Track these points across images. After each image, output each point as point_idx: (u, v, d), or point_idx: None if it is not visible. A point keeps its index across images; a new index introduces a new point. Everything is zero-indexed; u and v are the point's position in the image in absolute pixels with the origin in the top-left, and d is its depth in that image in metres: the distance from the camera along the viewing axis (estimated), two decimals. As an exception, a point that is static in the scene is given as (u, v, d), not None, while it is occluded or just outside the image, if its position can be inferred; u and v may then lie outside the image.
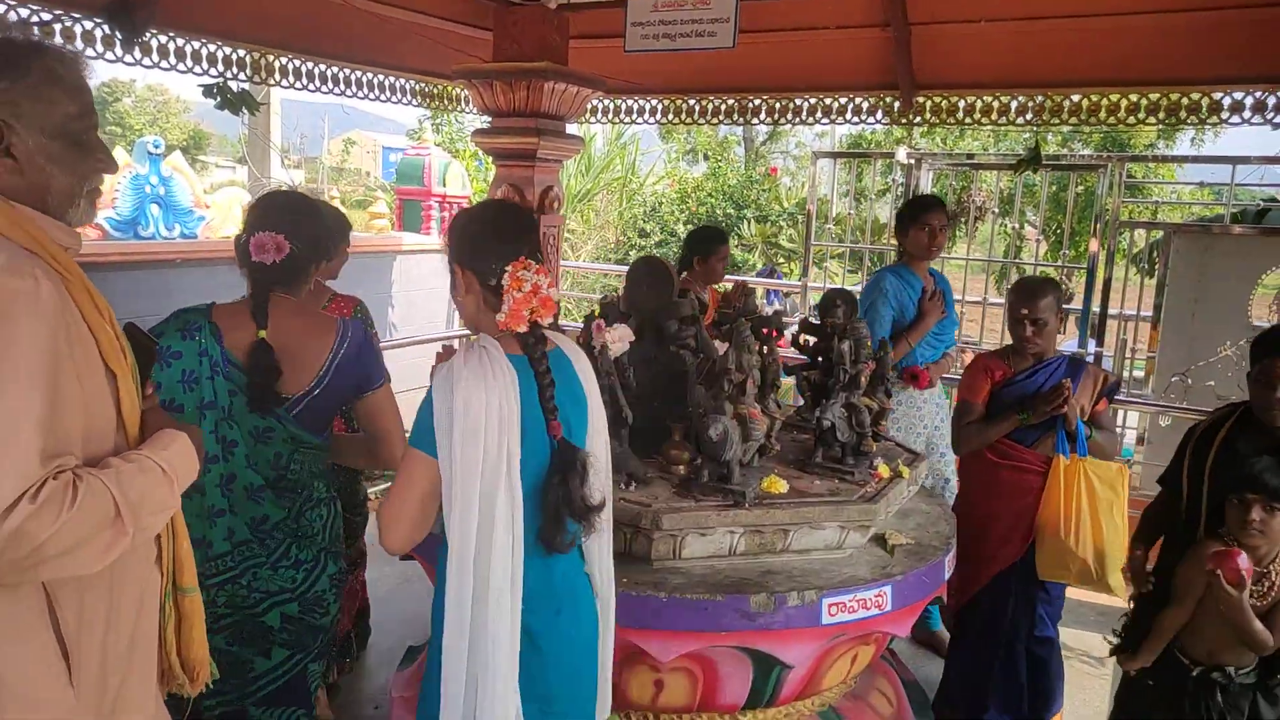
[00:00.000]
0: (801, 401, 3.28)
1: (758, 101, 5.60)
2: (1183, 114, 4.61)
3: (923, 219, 3.85)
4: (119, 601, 1.38)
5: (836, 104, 5.44)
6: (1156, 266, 5.67)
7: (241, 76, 4.80)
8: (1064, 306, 3.17)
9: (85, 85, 1.45)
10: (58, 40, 3.86)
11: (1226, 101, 4.48)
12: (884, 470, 2.81)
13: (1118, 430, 3.32)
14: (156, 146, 6.53)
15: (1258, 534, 2.33)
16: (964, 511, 3.18)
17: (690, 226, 14.30)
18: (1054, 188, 8.76)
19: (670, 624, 2.33)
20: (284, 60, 5.04)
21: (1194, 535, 2.53)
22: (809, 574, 2.48)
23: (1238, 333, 5.27)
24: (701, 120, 5.80)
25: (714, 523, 2.47)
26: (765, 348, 2.96)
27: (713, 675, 2.49)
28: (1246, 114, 4.43)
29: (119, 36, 4.04)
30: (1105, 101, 4.76)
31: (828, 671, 2.63)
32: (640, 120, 6.08)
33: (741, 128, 17.84)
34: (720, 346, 2.98)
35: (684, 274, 4.53)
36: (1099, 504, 2.95)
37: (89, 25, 3.97)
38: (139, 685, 1.43)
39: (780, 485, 2.62)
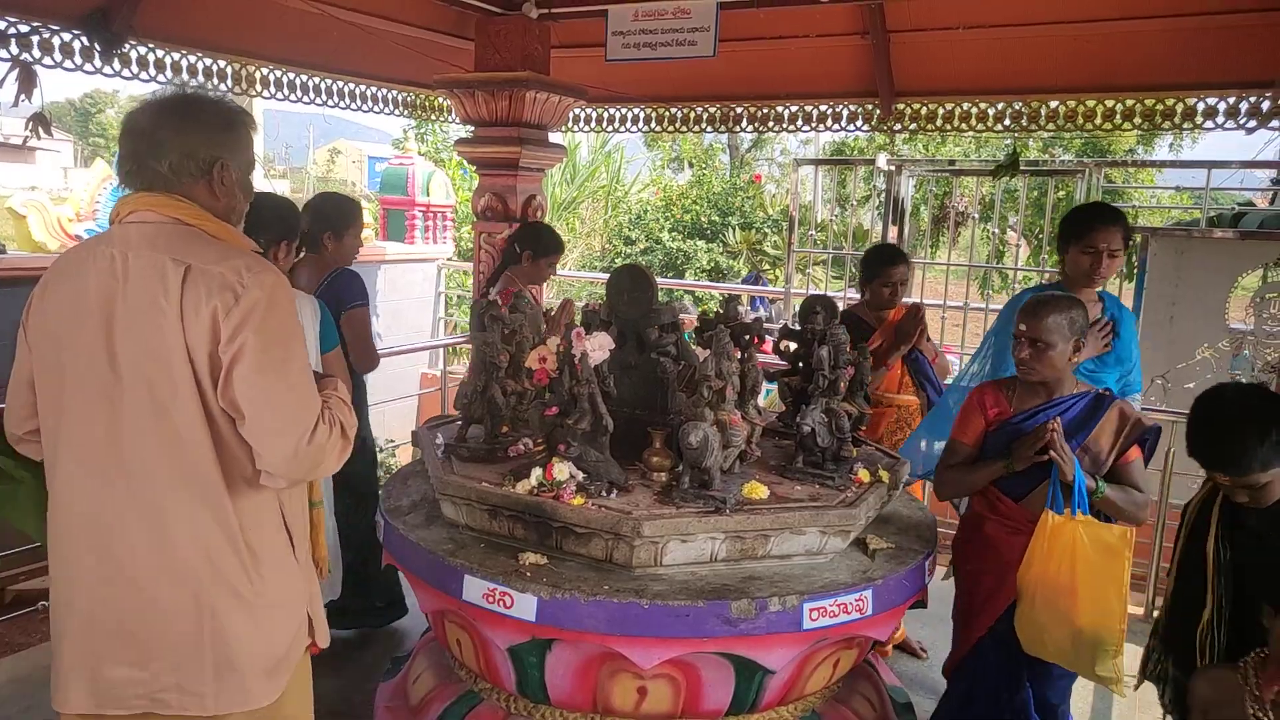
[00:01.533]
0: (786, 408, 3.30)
1: (740, 110, 5.64)
2: (1158, 119, 4.67)
3: (1088, 238, 3.04)
4: (301, 503, 1.96)
5: (817, 111, 5.48)
6: (1135, 269, 5.72)
7: (223, 87, 4.79)
8: (1077, 331, 2.61)
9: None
10: (36, 51, 3.86)
11: (1201, 107, 4.54)
12: (864, 475, 2.83)
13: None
14: (138, 158, 6.51)
15: None
16: (956, 562, 2.91)
17: (675, 234, 14.36)
18: (1034, 193, 8.84)
19: (652, 631, 2.34)
20: (265, 71, 5.03)
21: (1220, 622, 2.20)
22: (790, 579, 2.49)
23: (1215, 335, 5.33)
24: (685, 129, 5.83)
25: (695, 529, 2.48)
26: (745, 354, 2.97)
27: (695, 681, 2.50)
28: (1220, 119, 4.49)
29: (97, 48, 4.03)
30: (1082, 107, 4.82)
31: (810, 676, 2.64)
32: (624, 129, 6.10)
33: (726, 135, 17.91)
34: (701, 353, 2.99)
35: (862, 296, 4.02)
36: (1091, 573, 2.48)
37: (67, 37, 3.97)
38: (309, 563, 1.99)
39: (761, 491, 2.63)
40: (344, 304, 3.46)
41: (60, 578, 1.80)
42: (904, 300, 3.87)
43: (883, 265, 3.75)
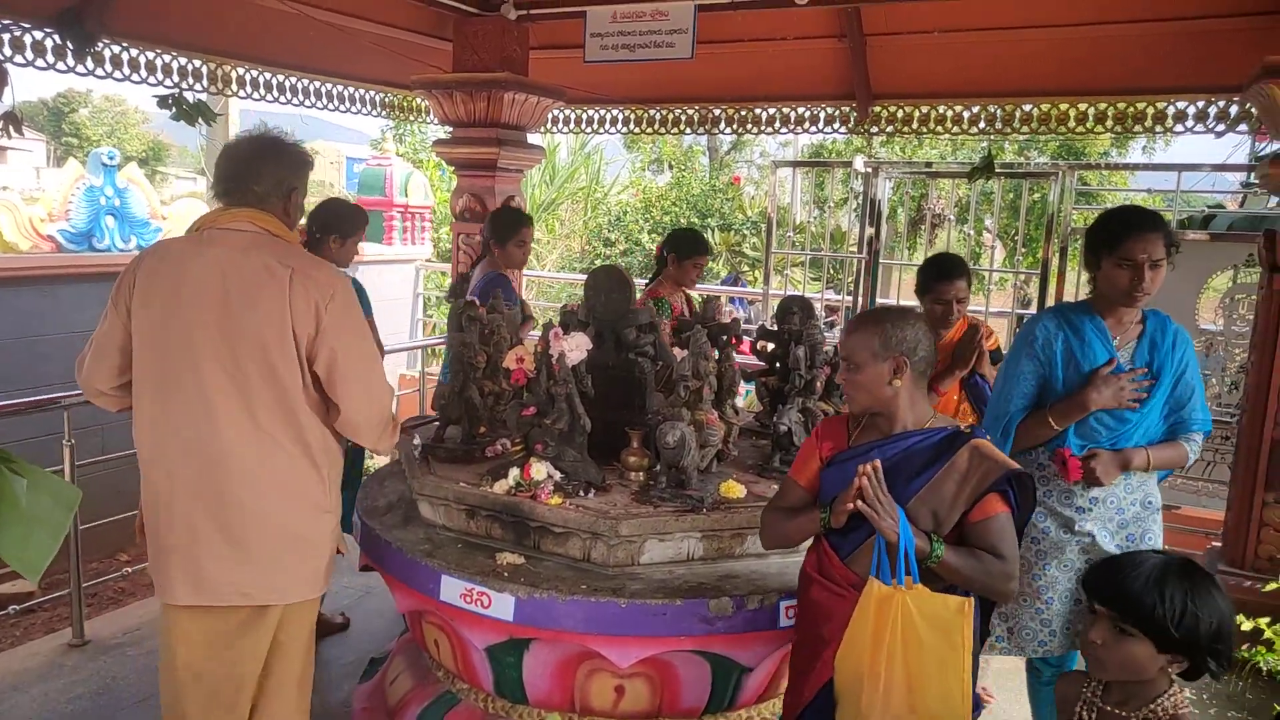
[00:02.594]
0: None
1: (719, 112, 5.66)
2: (1130, 123, 4.74)
3: (1123, 248, 2.46)
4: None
5: (795, 114, 5.52)
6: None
7: (198, 87, 4.76)
8: (902, 350, 2.07)
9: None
10: (7, 50, 3.82)
11: (1171, 111, 4.61)
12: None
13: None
14: (111, 158, 6.45)
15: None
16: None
17: (655, 235, 14.37)
18: (1010, 195, 8.95)
19: (629, 629, 2.34)
20: (241, 70, 5.00)
21: None
22: (767, 577, 2.51)
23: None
24: (664, 130, 5.85)
25: (672, 528, 2.49)
26: (722, 354, 2.99)
27: (673, 680, 2.51)
28: (1190, 123, 4.57)
29: (70, 46, 4.00)
30: (1056, 111, 4.88)
31: (787, 674, 2.66)
32: (603, 131, 6.11)
33: (706, 137, 17.96)
34: (679, 354, 3.00)
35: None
36: (923, 656, 1.96)
37: (39, 35, 3.93)
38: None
39: (738, 490, 2.65)
40: None
41: (163, 502, 2.22)
42: (967, 315, 3.44)
43: (937, 280, 3.30)
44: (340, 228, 3.72)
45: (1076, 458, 2.53)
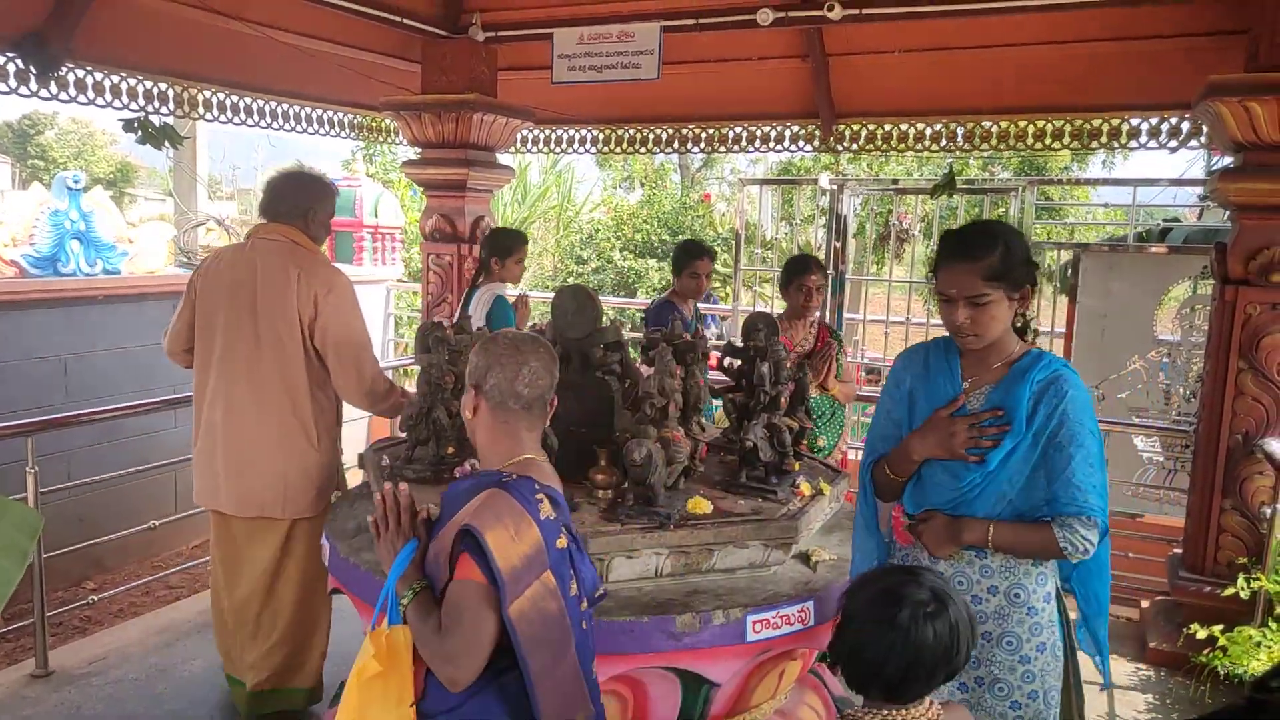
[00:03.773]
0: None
1: (688, 131, 5.73)
2: (1086, 139, 4.85)
3: (940, 278, 2.06)
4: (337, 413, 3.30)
5: (761, 132, 5.60)
6: (1070, 284, 5.91)
7: (164, 110, 4.75)
8: (473, 380, 1.94)
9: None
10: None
11: (1126, 127, 4.73)
12: (806, 488, 2.88)
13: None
14: (76, 181, 6.40)
15: None
16: None
17: (627, 253, 14.43)
18: (974, 210, 9.09)
19: (598, 647, 2.35)
20: (208, 93, 5.00)
21: None
22: (734, 592, 2.53)
23: (1145, 346, 5.52)
24: (633, 150, 5.92)
25: (639, 545, 2.50)
26: (687, 371, 3.02)
27: (642, 696, 2.52)
28: (1143, 139, 4.69)
29: (34, 71, 3.98)
30: (1015, 128, 4.99)
31: (756, 688, 2.68)
32: (573, 150, 6.16)
33: (677, 155, 18.08)
34: (645, 371, 3.03)
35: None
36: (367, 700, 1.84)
37: (1, 60, 3.91)
38: (337, 449, 3.31)
39: (705, 506, 2.67)
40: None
41: (203, 434, 3.16)
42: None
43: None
44: (498, 251, 4.38)
45: (903, 518, 2.20)
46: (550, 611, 1.73)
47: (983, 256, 1.99)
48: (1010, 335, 2.10)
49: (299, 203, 3.16)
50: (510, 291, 4.58)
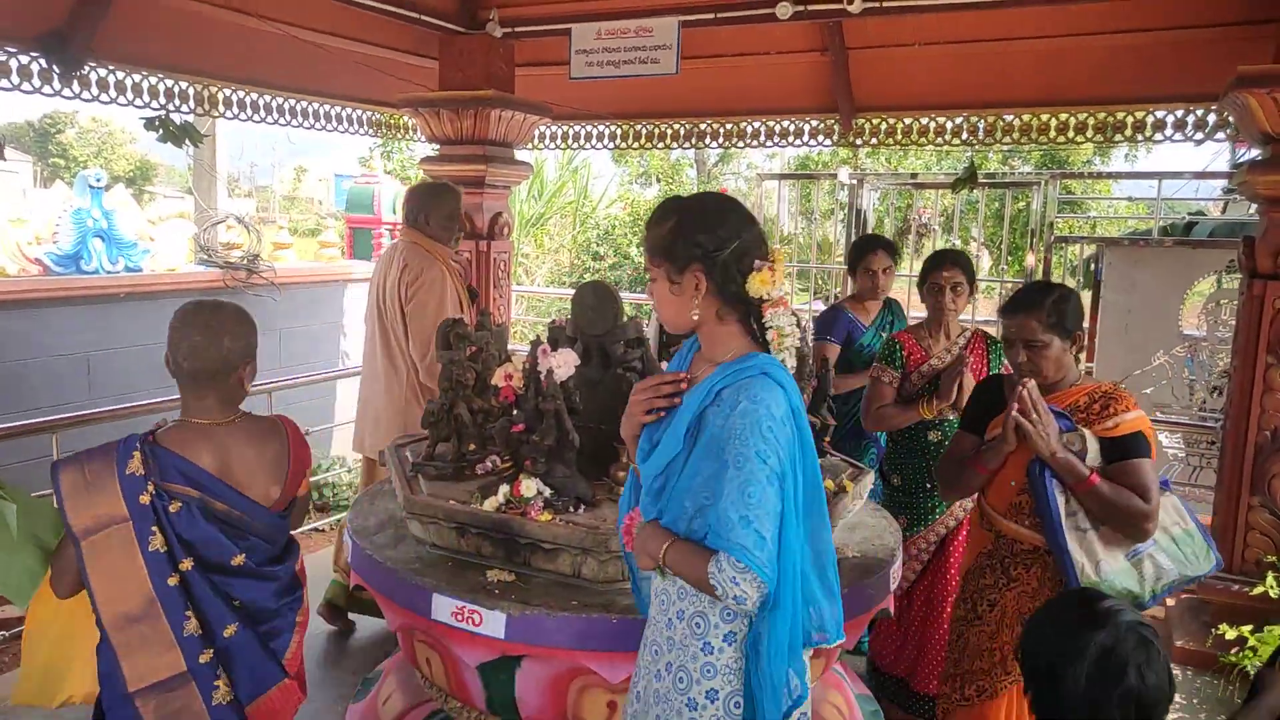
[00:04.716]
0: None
1: (705, 126, 5.70)
2: (1110, 132, 4.79)
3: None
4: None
5: (780, 127, 5.56)
6: (1092, 278, 5.85)
7: (184, 108, 4.77)
8: None
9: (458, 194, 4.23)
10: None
11: (1151, 120, 4.67)
12: (829, 485, 2.86)
13: None
14: (98, 179, 6.44)
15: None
16: None
17: (643, 249, 14.37)
18: (994, 204, 9.04)
19: (621, 645, 2.34)
20: (228, 91, 5.02)
21: None
22: (757, 590, 2.51)
23: (1170, 342, 5.45)
24: (650, 145, 5.89)
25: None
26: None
27: (665, 694, 2.51)
28: (1169, 131, 4.62)
29: (55, 70, 4.00)
30: (1037, 121, 4.93)
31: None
32: (590, 146, 6.15)
33: (693, 150, 18.04)
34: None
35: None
36: None
37: (25, 59, 3.93)
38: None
39: (727, 503, 2.66)
40: None
41: (358, 402, 4.19)
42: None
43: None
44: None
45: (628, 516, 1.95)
46: (117, 556, 1.92)
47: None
48: (729, 338, 1.80)
49: (413, 209, 3.96)
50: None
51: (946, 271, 3.27)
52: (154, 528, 1.95)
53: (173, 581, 1.96)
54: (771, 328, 1.74)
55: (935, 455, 3.27)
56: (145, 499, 1.94)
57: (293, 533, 2.31)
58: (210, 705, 2.01)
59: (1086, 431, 2.32)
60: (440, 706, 2.78)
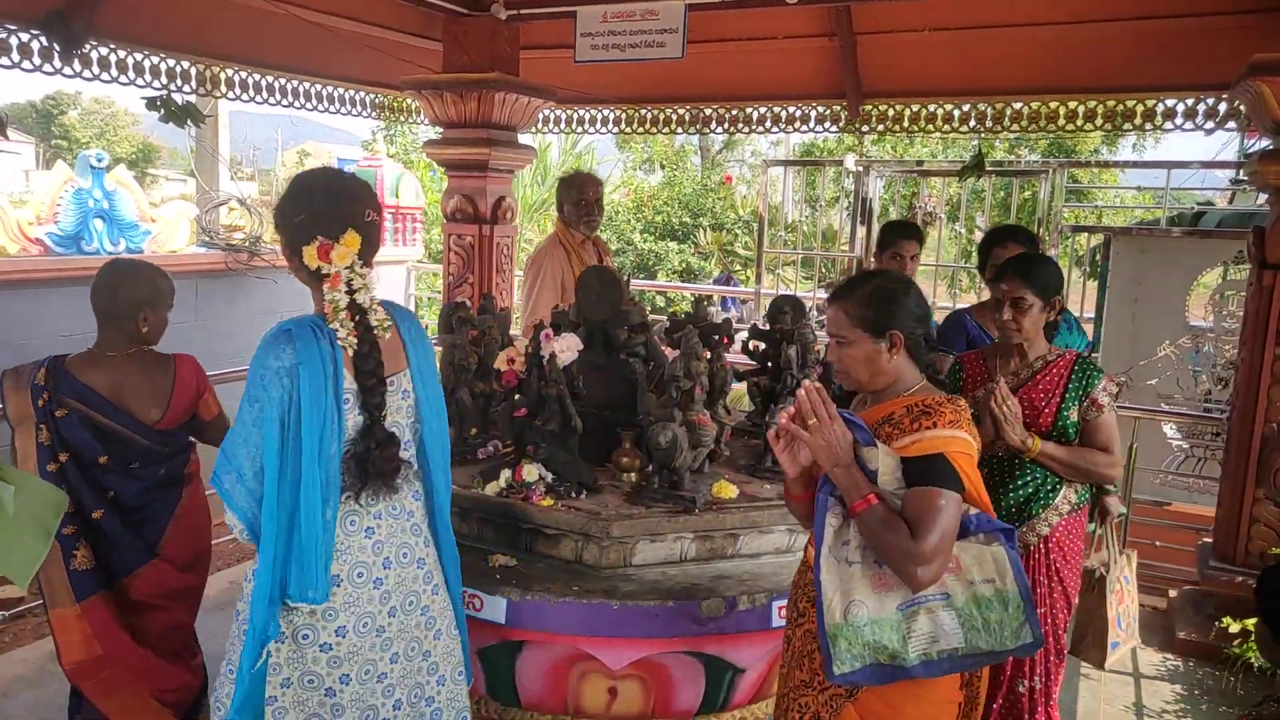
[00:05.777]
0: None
1: (710, 111, 5.66)
2: (1119, 120, 4.74)
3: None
4: None
5: (786, 113, 5.51)
6: (1098, 269, 5.82)
7: (186, 88, 4.73)
8: None
9: (586, 182, 4.43)
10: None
11: (1160, 109, 4.62)
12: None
13: None
14: (100, 160, 6.41)
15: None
16: None
17: (647, 235, 14.35)
18: (1000, 193, 8.99)
19: (622, 631, 2.34)
20: (230, 72, 4.97)
21: None
22: (759, 577, 2.51)
23: (1176, 332, 5.42)
24: (655, 130, 5.84)
25: (664, 529, 2.48)
26: (713, 354, 2.98)
27: (666, 681, 2.50)
28: (1179, 120, 4.57)
29: (57, 48, 3.97)
30: (1045, 109, 4.88)
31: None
32: (594, 130, 6.10)
33: (698, 137, 17.94)
34: (671, 354, 2.99)
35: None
36: None
37: (25, 37, 3.90)
38: None
39: (730, 490, 2.65)
40: None
41: None
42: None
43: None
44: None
45: None
46: (26, 441, 2.50)
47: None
48: (312, 302, 2.04)
49: (561, 199, 4.35)
50: None
51: (1006, 285, 2.64)
52: (43, 425, 2.49)
53: (51, 468, 2.49)
54: (329, 300, 1.91)
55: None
56: (41, 403, 2.50)
57: None
58: (69, 569, 2.50)
59: (883, 448, 1.86)
60: (440, 691, 2.77)
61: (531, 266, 4.28)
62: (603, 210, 4.51)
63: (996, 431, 2.55)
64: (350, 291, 1.91)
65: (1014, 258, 2.78)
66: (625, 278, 4.39)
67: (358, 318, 1.92)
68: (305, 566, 1.86)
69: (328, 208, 1.93)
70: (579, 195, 4.31)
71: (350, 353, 1.91)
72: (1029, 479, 2.67)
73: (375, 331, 1.94)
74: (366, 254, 1.96)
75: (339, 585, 1.93)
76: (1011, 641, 1.82)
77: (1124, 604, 3.01)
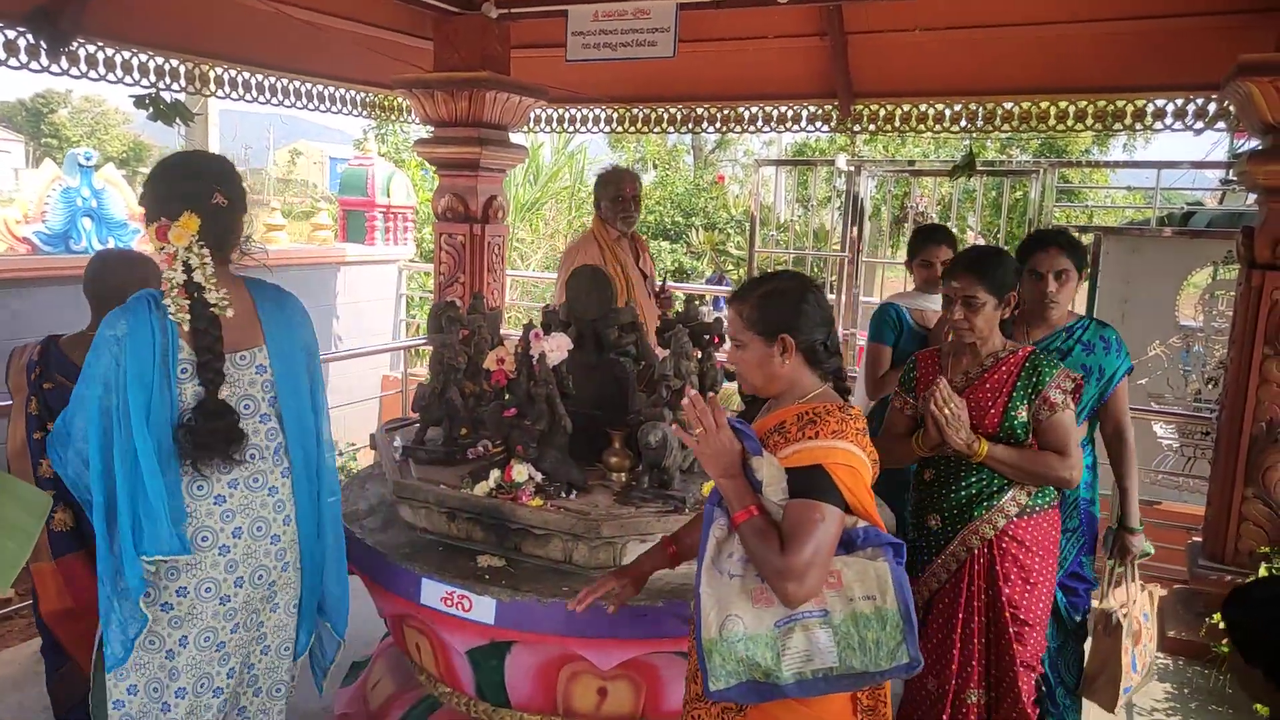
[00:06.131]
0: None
1: (702, 111, 5.65)
2: (1110, 120, 4.76)
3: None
4: None
5: (778, 113, 5.52)
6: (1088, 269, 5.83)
7: (175, 87, 4.71)
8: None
9: (624, 178, 4.35)
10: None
11: (1151, 109, 4.64)
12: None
13: None
14: (88, 159, 6.38)
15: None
16: None
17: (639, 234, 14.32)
18: (992, 193, 9.02)
19: (611, 632, 2.33)
20: (220, 70, 4.96)
21: None
22: (749, 577, 2.49)
23: (1166, 332, 5.44)
24: (646, 129, 5.84)
25: (654, 529, 2.47)
26: (704, 354, 2.98)
27: (656, 681, 2.49)
28: (1169, 120, 4.59)
29: (44, 46, 3.95)
30: (1036, 109, 4.90)
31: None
32: (586, 129, 6.10)
33: (690, 136, 17.95)
34: (661, 353, 2.99)
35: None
36: None
37: (11, 34, 3.87)
38: None
39: (720, 490, 2.63)
40: None
41: None
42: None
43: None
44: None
45: None
46: (18, 411, 2.68)
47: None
48: None
49: (595, 195, 4.34)
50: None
51: (958, 282, 2.51)
52: (33, 396, 2.64)
53: (37, 436, 2.60)
54: (165, 277, 2.04)
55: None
56: (33, 376, 2.65)
57: None
58: (50, 530, 2.60)
59: (769, 457, 1.82)
60: (430, 692, 2.76)
61: (564, 262, 4.28)
62: (640, 206, 4.45)
63: (940, 435, 2.45)
64: (188, 270, 2.01)
65: (965, 252, 2.65)
66: (663, 283, 4.41)
67: (195, 295, 2.01)
68: (153, 524, 1.96)
69: (168, 190, 2.07)
70: (616, 191, 4.26)
71: (186, 327, 2.01)
72: (973, 480, 2.54)
73: (214, 309, 2.02)
74: (212, 236, 2.05)
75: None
76: (887, 662, 1.74)
77: (1141, 644, 2.85)
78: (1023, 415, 2.47)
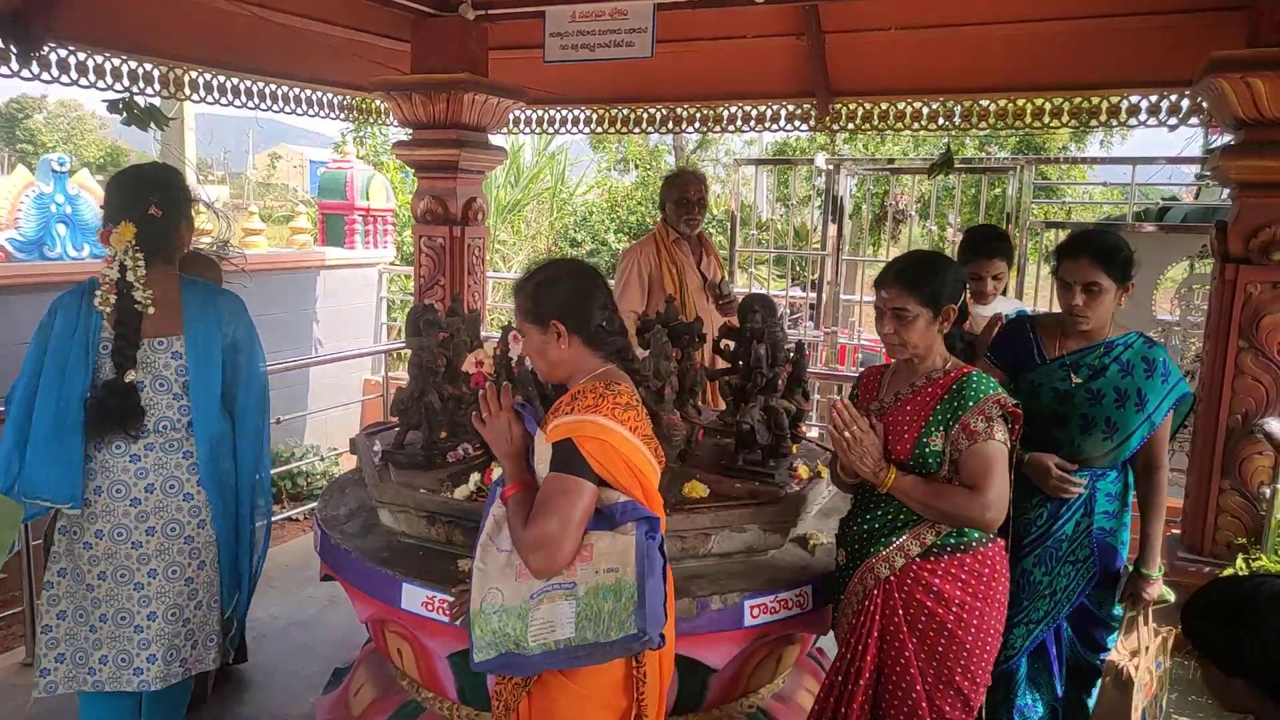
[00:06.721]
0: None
1: (682, 111, 5.66)
2: (1085, 117, 4.80)
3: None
4: None
5: (757, 112, 5.53)
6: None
7: (150, 91, 4.66)
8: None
9: (689, 181, 4.46)
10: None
11: (1125, 105, 4.68)
12: (804, 471, 2.85)
13: None
14: (61, 164, 6.30)
15: None
16: None
17: (621, 235, 14.33)
18: (970, 190, 9.07)
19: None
20: (195, 74, 4.91)
21: None
22: (731, 577, 2.50)
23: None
24: (627, 130, 5.84)
25: (635, 530, 2.46)
26: (683, 354, 2.98)
27: (639, 682, 2.49)
28: (1143, 116, 4.63)
29: (13, 50, 3.89)
30: (1013, 106, 4.93)
31: (754, 673, 2.66)
32: (566, 130, 6.09)
33: (671, 137, 17.95)
34: (640, 354, 2.98)
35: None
36: None
37: (-19, 39, 3.82)
38: None
39: (701, 490, 2.64)
40: None
41: None
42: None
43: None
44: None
45: None
46: None
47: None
48: None
49: (660, 196, 4.40)
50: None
51: (885, 292, 2.32)
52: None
53: None
54: (101, 274, 2.43)
55: None
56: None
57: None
58: None
59: (539, 435, 1.90)
60: (412, 697, 2.75)
61: (621, 262, 4.36)
62: (704, 209, 4.43)
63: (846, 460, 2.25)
64: (122, 271, 2.40)
65: (897, 260, 2.37)
66: (720, 283, 4.27)
67: (123, 291, 2.39)
68: (62, 469, 2.38)
69: (115, 199, 2.49)
70: (680, 194, 4.29)
71: (109, 313, 2.41)
72: (878, 513, 2.29)
73: (138, 305, 2.40)
74: (148, 242, 2.44)
75: (100, 495, 2.44)
76: (616, 632, 1.76)
77: (1151, 693, 2.69)
78: (936, 443, 2.21)
